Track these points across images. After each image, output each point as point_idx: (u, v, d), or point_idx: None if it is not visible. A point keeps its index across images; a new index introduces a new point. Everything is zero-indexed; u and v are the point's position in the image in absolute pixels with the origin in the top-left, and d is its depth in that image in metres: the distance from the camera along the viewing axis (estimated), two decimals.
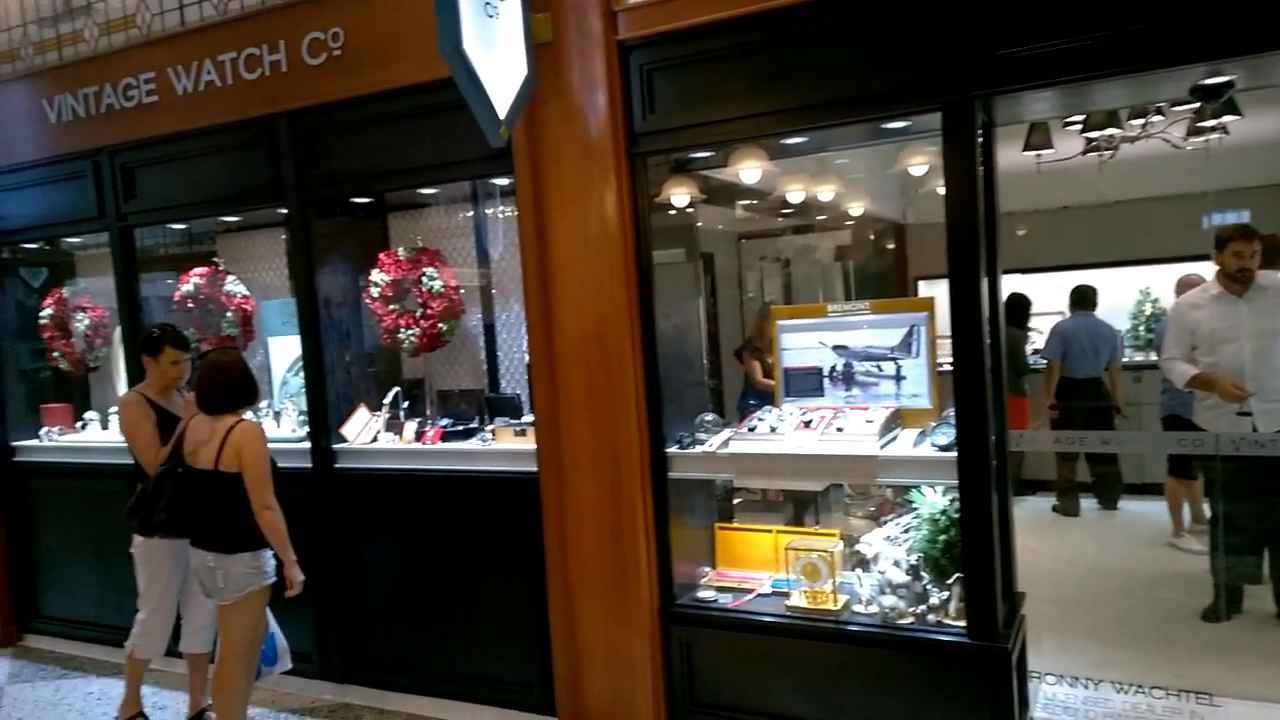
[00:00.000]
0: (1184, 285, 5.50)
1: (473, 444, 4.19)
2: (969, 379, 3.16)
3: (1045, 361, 6.81)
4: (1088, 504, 6.98)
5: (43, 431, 5.50)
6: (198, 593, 4.10)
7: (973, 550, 3.21)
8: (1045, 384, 6.70)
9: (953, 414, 3.38)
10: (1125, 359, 7.45)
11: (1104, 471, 6.84)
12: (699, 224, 4.25)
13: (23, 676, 5.08)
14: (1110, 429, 6.50)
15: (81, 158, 4.92)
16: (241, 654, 3.70)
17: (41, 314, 5.62)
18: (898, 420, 3.62)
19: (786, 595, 3.64)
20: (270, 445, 4.56)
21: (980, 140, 3.19)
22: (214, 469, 3.60)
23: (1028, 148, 5.52)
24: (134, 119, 4.67)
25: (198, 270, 5.06)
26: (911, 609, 3.42)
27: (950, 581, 3.40)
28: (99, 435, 5.40)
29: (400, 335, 4.40)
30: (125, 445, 4.95)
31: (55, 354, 5.58)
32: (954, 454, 3.24)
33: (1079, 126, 5.33)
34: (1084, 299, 6.80)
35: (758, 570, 3.90)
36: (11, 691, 4.90)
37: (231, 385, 3.67)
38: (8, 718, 4.56)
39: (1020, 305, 6.95)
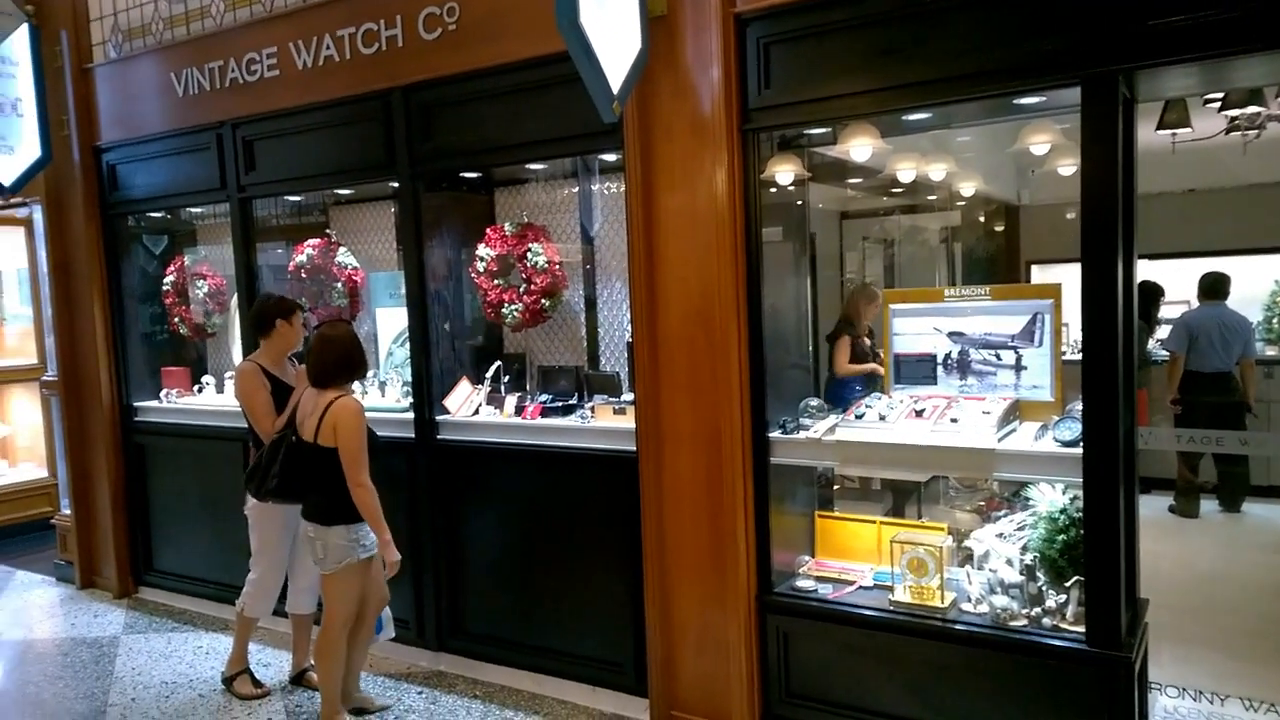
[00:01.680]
0: None
1: (572, 421, 4.18)
2: (1101, 371, 2.99)
3: (1168, 353, 6.45)
4: (1208, 505, 6.62)
5: (162, 393, 5.74)
6: (304, 556, 4.23)
7: (1096, 553, 3.05)
8: (1168, 377, 6.34)
9: (1077, 407, 3.22)
10: (1257, 353, 7.02)
11: (1230, 472, 6.46)
12: (799, 202, 4.12)
13: (137, 628, 5.32)
14: (1239, 427, 6.13)
15: (205, 130, 5.07)
16: (342, 623, 3.78)
17: (164, 280, 5.85)
18: (1016, 412, 3.47)
19: (890, 589, 3.52)
20: (375, 415, 4.65)
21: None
22: (314, 442, 3.67)
23: (1162, 126, 5.19)
24: (256, 93, 4.78)
25: (311, 241, 5.17)
26: (1024, 611, 3.28)
27: (1068, 584, 3.23)
28: (214, 399, 5.60)
29: (504, 310, 4.42)
30: (238, 410, 5.15)
31: (176, 319, 5.81)
32: (1079, 450, 3.07)
33: (1218, 104, 4.98)
34: (1214, 288, 6.40)
35: (859, 561, 3.80)
36: (126, 641, 5.14)
37: (334, 359, 3.71)
38: (123, 667, 4.78)
39: (1150, 294, 6.57)
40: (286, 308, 4.20)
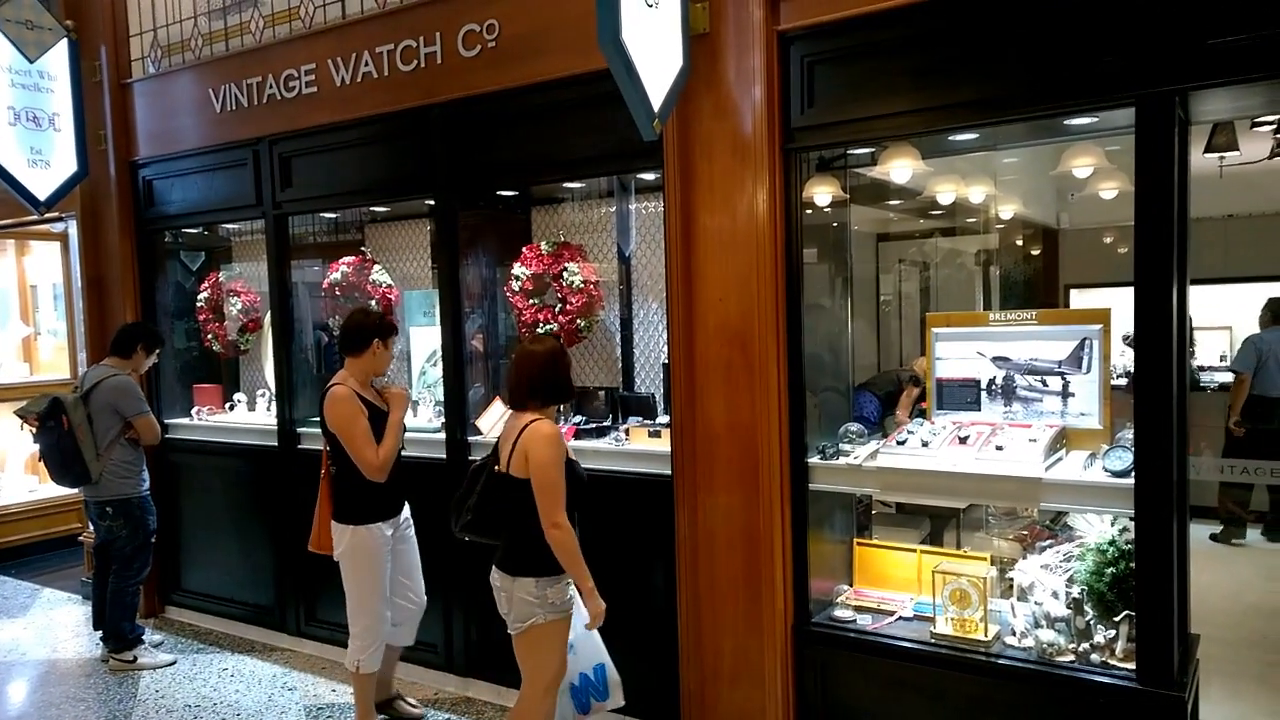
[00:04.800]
0: None
1: (605, 443, 4.12)
2: (1154, 399, 2.90)
3: (1234, 374, 6.33)
4: (1253, 534, 6.47)
5: (194, 410, 5.73)
6: (403, 592, 4.02)
7: (1148, 587, 2.95)
8: (1232, 399, 6.21)
9: (1127, 436, 3.13)
10: None
11: None
12: (836, 224, 4.07)
13: (162, 648, 5.25)
14: None
15: (242, 146, 5.08)
16: (543, 690, 3.22)
17: (198, 297, 5.86)
18: (1063, 440, 3.37)
19: (931, 621, 3.43)
20: (408, 435, 4.58)
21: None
22: (505, 472, 3.19)
23: (1210, 149, 5.10)
24: (293, 109, 4.79)
25: (345, 259, 5.16)
26: (1071, 646, 3.17)
27: (1118, 619, 3.13)
28: (246, 417, 5.60)
29: (539, 329, 4.38)
30: (270, 429, 5.13)
31: (209, 336, 5.81)
32: (1130, 481, 2.98)
33: (1272, 126, 4.88)
34: (1277, 311, 6.32)
35: (898, 591, 3.71)
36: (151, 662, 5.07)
37: (530, 377, 3.22)
38: (146, 689, 4.73)
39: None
40: (386, 328, 3.90)
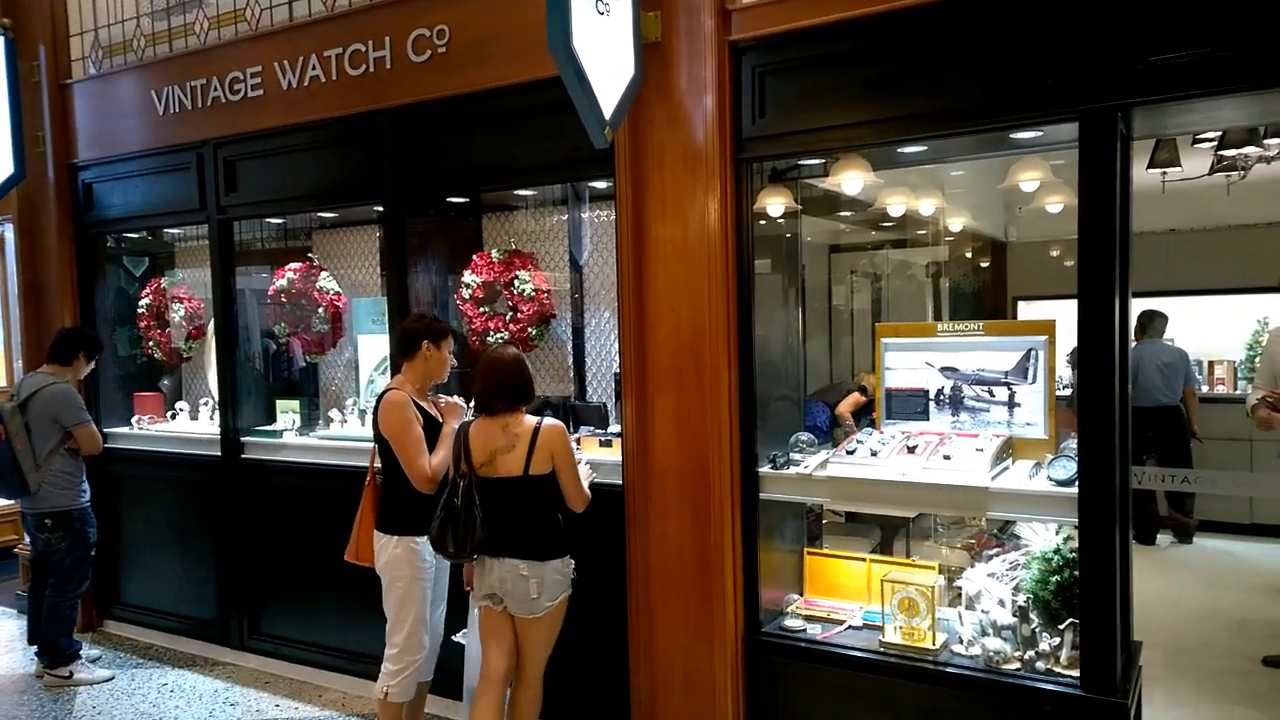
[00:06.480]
0: None
1: None
2: (1097, 409, 2.94)
3: None
4: (1198, 541, 6.69)
5: (134, 419, 5.59)
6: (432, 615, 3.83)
7: (1092, 595, 2.98)
8: None
9: (1071, 445, 3.17)
10: (1237, 390, 7.13)
11: (1185, 505, 6.60)
12: (789, 235, 4.09)
13: (100, 663, 5.09)
14: (1187, 457, 6.29)
15: (186, 149, 4.97)
16: (542, 673, 3.51)
17: (140, 303, 5.72)
18: (1009, 450, 3.41)
19: (880, 629, 3.44)
20: (354, 444, 4.56)
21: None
22: (524, 474, 3.32)
23: (1154, 164, 5.22)
24: (238, 113, 4.70)
25: (292, 265, 5.08)
26: (1017, 653, 3.20)
27: (1063, 627, 3.16)
28: (188, 426, 5.47)
29: (489, 338, 4.33)
30: (213, 438, 5.02)
31: (150, 343, 5.67)
32: (1074, 490, 3.01)
33: (1212, 143, 5.00)
34: (1149, 325, 6.60)
35: (848, 600, 3.72)
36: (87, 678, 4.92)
37: (496, 382, 3.37)
38: (83, 705, 4.59)
39: None
40: (436, 331, 3.71)
